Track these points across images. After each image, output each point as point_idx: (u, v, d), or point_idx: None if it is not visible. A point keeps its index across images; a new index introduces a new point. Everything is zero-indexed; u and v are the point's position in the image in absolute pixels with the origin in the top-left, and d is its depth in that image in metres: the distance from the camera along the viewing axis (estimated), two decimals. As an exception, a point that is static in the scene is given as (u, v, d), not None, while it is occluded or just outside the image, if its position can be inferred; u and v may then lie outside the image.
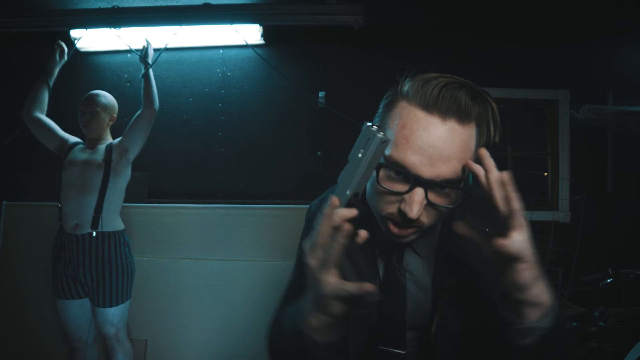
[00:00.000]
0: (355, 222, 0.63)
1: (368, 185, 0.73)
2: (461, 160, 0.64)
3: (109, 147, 1.97)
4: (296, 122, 2.55)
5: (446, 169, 0.64)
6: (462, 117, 0.64)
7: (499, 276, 0.61)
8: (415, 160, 0.64)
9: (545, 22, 2.52)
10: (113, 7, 2.27)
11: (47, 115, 2.05)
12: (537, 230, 2.54)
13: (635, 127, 2.60)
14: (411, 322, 0.81)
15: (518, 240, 0.57)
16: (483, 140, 0.68)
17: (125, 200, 2.37)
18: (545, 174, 2.76)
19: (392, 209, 0.69)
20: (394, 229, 0.70)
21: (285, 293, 0.88)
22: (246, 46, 2.48)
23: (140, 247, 2.34)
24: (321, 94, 2.53)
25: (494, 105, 0.67)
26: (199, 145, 2.55)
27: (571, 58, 2.66)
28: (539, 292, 0.60)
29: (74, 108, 2.53)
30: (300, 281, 0.78)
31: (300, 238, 0.91)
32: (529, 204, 2.43)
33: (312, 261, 0.62)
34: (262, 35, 2.41)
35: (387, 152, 0.66)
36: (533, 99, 2.71)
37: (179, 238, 2.35)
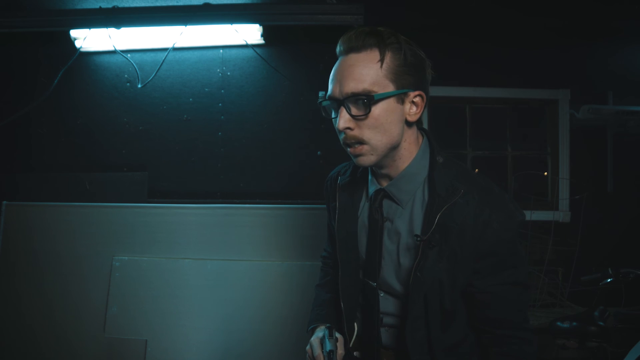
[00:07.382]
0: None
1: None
2: (363, 76, 0.83)
3: None
4: (296, 122, 2.55)
5: (353, 86, 0.83)
6: (357, 48, 0.85)
7: None
8: (332, 88, 0.88)
9: (545, 21, 2.52)
10: (113, 7, 2.28)
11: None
12: (537, 230, 2.54)
13: (635, 127, 2.60)
14: (393, 264, 0.96)
15: None
16: (388, 57, 0.85)
17: (125, 200, 2.37)
18: (545, 174, 2.76)
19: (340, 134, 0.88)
20: (351, 152, 0.89)
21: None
22: (246, 46, 2.48)
23: (140, 247, 2.34)
24: (321, 94, 2.53)
25: (385, 35, 0.86)
26: (199, 145, 2.55)
27: (571, 58, 2.66)
28: None
29: (75, 108, 2.55)
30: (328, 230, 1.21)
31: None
32: (529, 204, 2.43)
33: None
34: (262, 35, 2.40)
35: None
36: (533, 99, 2.71)
37: (179, 238, 2.35)
